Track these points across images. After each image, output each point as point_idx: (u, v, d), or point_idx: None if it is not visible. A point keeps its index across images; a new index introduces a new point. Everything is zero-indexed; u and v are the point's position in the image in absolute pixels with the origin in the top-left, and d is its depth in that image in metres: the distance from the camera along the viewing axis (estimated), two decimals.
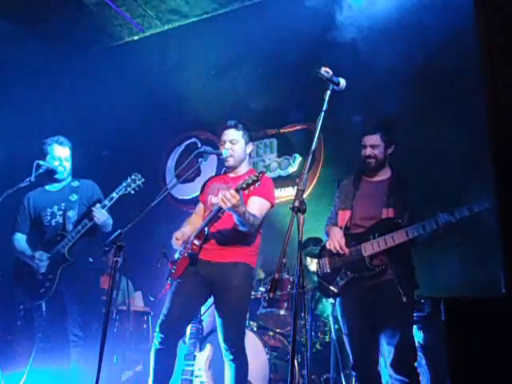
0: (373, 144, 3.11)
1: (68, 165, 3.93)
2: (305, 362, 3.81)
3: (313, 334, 4.03)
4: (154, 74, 6.44)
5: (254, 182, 2.88)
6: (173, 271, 3.24)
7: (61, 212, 3.80)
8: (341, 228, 3.15)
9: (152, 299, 4.90)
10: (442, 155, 4.42)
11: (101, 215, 3.63)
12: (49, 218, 3.81)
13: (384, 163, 3.18)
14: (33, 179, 3.79)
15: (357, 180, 3.26)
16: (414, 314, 3.35)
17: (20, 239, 3.85)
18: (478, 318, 1.35)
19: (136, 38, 6.91)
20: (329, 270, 3.11)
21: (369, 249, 2.98)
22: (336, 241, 3.07)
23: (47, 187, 3.96)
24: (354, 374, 2.95)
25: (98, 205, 3.66)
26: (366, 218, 3.07)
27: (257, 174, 2.90)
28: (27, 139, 5.97)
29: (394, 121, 3.43)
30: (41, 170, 3.82)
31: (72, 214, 3.79)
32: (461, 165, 4.30)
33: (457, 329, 1.36)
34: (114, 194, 3.65)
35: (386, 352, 2.83)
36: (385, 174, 3.20)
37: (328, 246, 3.13)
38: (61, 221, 3.78)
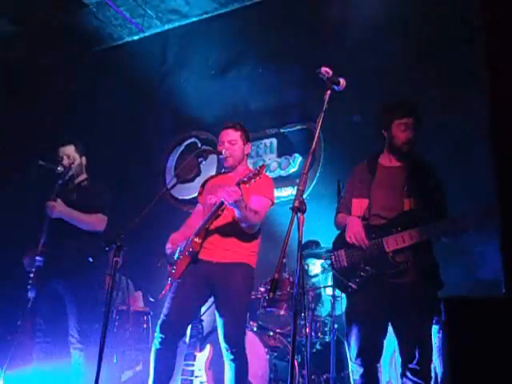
0: (410, 127, 2.93)
1: (69, 162, 3.90)
2: (305, 362, 3.81)
3: (313, 334, 4.03)
4: (153, 74, 6.44)
5: (256, 175, 2.87)
6: (173, 271, 3.23)
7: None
8: (359, 218, 2.96)
9: (152, 300, 4.90)
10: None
11: (54, 207, 3.63)
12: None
13: (413, 150, 3.00)
14: (32, 179, 3.80)
15: (372, 165, 3.07)
16: None
17: None
18: (478, 317, 1.34)
19: (136, 38, 6.91)
20: (346, 264, 2.92)
21: (392, 243, 2.78)
22: (357, 232, 2.87)
23: (70, 186, 3.95)
24: (357, 368, 2.86)
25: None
26: (387, 207, 2.89)
27: (258, 168, 2.90)
28: (27, 138, 5.98)
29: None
30: (41, 171, 3.82)
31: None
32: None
33: (457, 329, 1.36)
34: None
35: (408, 356, 2.72)
36: (408, 160, 3.01)
37: (348, 239, 2.91)
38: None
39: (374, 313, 2.82)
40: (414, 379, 2.70)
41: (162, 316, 3.13)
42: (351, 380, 2.96)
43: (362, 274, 2.85)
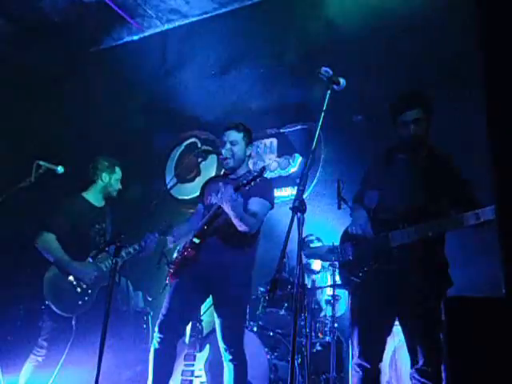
0: (417, 118, 2.73)
1: None
2: (305, 363, 3.80)
3: (313, 334, 4.02)
4: (153, 74, 6.44)
5: (255, 177, 2.85)
6: (171, 271, 3.23)
7: (102, 231, 3.84)
8: (369, 210, 2.86)
9: (150, 299, 4.91)
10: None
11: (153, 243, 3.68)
12: (95, 233, 3.80)
13: (426, 141, 2.83)
14: (32, 180, 3.78)
15: (388, 157, 2.94)
16: None
17: (54, 241, 3.68)
18: (478, 317, 1.34)
19: (136, 37, 6.91)
20: (351, 258, 2.84)
21: (397, 238, 2.68)
22: (359, 224, 2.79)
23: (93, 201, 3.91)
24: (357, 365, 2.76)
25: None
26: (397, 202, 2.77)
27: (257, 170, 2.87)
28: (25, 138, 5.97)
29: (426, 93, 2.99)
30: (41, 171, 3.81)
31: (108, 235, 3.85)
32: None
33: (457, 329, 1.35)
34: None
35: (419, 355, 2.63)
36: (422, 152, 2.84)
37: (350, 231, 2.83)
38: (102, 240, 3.80)
39: (378, 310, 2.72)
40: (422, 380, 2.60)
41: (160, 316, 3.13)
42: (350, 381, 2.90)
43: (365, 268, 2.75)
